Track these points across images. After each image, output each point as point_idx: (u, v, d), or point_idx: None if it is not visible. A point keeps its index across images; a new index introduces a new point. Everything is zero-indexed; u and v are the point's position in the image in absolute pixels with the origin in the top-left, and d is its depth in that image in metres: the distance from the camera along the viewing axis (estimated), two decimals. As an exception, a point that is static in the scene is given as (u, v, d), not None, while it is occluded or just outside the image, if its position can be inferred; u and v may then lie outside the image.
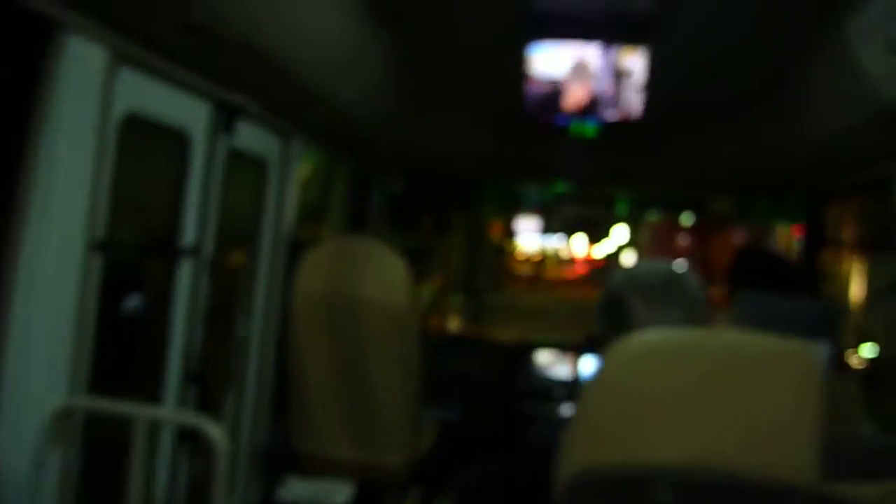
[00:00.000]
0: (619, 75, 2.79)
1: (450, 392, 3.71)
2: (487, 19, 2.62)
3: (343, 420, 2.58)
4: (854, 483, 1.06)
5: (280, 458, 2.71)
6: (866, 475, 1.07)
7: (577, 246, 14.28)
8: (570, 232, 13.15)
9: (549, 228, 10.38)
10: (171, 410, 1.99)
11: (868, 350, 3.94)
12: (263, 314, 2.69)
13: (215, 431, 1.53)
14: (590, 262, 14.19)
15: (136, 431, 1.61)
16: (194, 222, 2.15)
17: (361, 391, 2.56)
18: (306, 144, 2.86)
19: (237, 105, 2.19)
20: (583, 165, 3.73)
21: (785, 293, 2.50)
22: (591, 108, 2.87)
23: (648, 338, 1.11)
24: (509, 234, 13.91)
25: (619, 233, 13.53)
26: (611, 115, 2.86)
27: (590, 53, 2.79)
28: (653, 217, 4.61)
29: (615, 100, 2.82)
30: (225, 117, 2.16)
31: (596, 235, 13.55)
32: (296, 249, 2.73)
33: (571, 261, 14.57)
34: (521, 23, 2.62)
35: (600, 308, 1.45)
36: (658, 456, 1.08)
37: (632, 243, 13.79)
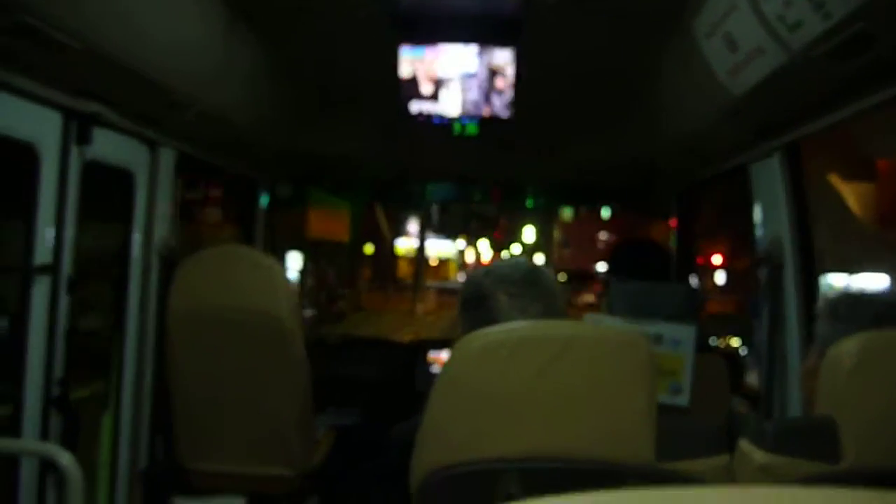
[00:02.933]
0: (490, 74, 2.85)
1: (347, 396, 3.69)
2: (355, 22, 2.61)
3: (232, 433, 2.53)
4: (686, 460, 1.12)
5: (165, 475, 2.62)
6: (697, 454, 1.13)
7: (479, 248, 14.41)
8: (464, 231, 13.21)
9: (441, 230, 10.39)
10: (14, 441, 1.87)
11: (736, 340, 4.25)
12: (137, 330, 2.59)
13: (65, 458, 1.46)
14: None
15: None
16: (49, 239, 2.03)
17: (249, 402, 2.50)
18: (179, 152, 2.76)
19: (91, 114, 2.08)
20: (468, 163, 3.78)
21: (656, 281, 2.62)
22: (464, 106, 2.92)
23: (486, 334, 1.13)
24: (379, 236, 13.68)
25: (528, 233, 13.70)
26: (483, 111, 2.92)
27: (461, 53, 2.84)
28: (567, 213, 4.35)
29: (487, 98, 2.88)
30: (77, 128, 2.05)
31: (490, 230, 13.63)
32: (171, 262, 2.64)
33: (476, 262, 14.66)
34: (389, 25, 2.64)
35: (462, 307, 1.46)
36: (503, 449, 1.10)
37: (542, 243, 13.83)
